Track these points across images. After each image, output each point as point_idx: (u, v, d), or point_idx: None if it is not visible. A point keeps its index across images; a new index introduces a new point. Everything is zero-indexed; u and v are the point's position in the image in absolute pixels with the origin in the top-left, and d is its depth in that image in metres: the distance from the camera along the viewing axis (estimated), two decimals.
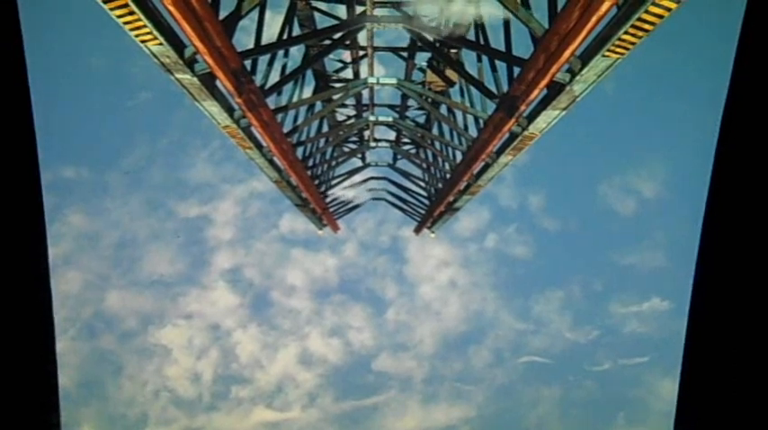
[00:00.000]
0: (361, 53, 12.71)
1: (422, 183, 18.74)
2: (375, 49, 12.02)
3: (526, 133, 9.39)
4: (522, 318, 41.01)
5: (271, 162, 12.05)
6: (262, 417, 38.03)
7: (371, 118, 15.70)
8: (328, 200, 19.34)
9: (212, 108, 8.62)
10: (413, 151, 17.81)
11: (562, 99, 7.95)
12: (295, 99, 12.62)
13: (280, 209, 39.51)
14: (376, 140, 16.25)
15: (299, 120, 13.42)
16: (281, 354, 39.48)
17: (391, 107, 18.14)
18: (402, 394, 39.24)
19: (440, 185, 16.66)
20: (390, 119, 15.02)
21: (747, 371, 1.45)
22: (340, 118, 18.42)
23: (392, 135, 19.52)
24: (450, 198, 15.90)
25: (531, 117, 9.05)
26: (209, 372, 38.36)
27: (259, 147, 11.03)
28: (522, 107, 8.11)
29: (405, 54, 13.38)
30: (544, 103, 8.43)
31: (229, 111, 9.05)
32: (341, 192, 19.36)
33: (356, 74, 13.05)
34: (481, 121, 10.65)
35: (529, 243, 41.29)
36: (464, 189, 14.42)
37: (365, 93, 14.72)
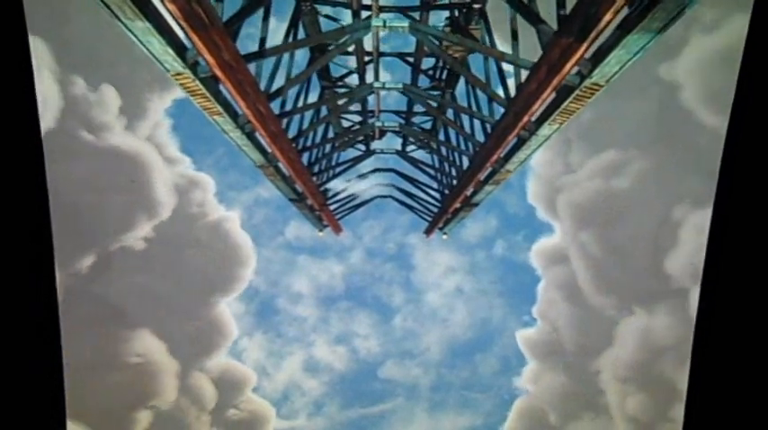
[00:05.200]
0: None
1: (434, 175, 15.74)
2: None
3: (588, 83, 6.42)
4: (530, 325, 38.83)
5: (251, 137, 9.13)
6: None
7: (377, 84, 12.63)
8: (328, 196, 16.41)
9: (149, 39, 5.71)
10: (425, 139, 14.77)
11: (657, 15, 4.98)
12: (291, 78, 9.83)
13: (286, 216, 37.70)
14: (383, 120, 13.24)
15: (295, 111, 10.61)
16: (287, 362, 37.57)
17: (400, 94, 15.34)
18: (409, 402, 37.25)
19: (456, 175, 13.68)
20: (401, 85, 11.92)
21: (755, 376, 1.56)
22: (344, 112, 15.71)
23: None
24: (469, 190, 12.93)
25: (598, 58, 6.10)
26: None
27: (232, 114, 8.13)
28: (602, 23, 5.11)
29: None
30: (622, 31, 5.47)
31: (178, 48, 6.16)
32: (342, 185, 16.42)
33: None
34: (521, 74, 7.68)
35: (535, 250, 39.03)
36: (487, 177, 11.45)
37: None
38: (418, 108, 15.12)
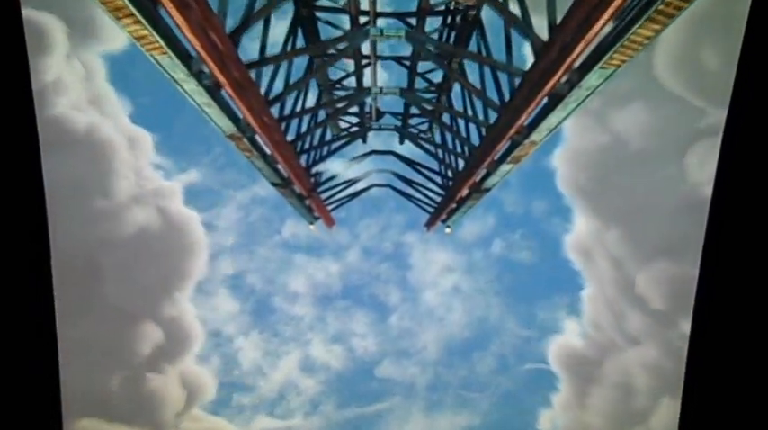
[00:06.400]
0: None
1: (438, 155, 13.57)
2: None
3: None
4: (527, 324, 37.61)
5: (213, 94, 7.00)
6: (264, 425, 35.37)
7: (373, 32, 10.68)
8: (319, 182, 14.27)
9: None
10: (430, 109, 12.61)
11: None
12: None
13: (282, 214, 37.08)
14: (382, 91, 11.05)
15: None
16: (284, 361, 36.78)
17: (398, 60, 13.20)
18: (406, 401, 36.36)
19: (466, 153, 11.57)
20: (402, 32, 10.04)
21: (751, 374, 1.46)
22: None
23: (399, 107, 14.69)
24: (480, 172, 10.82)
25: None
26: (211, 380, 35.05)
27: (182, 55, 6.01)
28: None
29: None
30: None
31: None
32: (335, 170, 14.29)
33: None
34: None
35: (534, 248, 37.87)
36: (505, 153, 9.36)
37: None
38: (421, 87, 13.10)
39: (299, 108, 11.40)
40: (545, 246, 37.83)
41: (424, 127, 15.44)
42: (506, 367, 35.93)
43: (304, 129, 12.25)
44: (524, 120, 7.50)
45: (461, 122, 12.12)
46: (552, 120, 7.45)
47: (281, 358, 36.47)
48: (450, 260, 38.01)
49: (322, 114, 13.40)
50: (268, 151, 10.14)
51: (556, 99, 6.89)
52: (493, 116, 9.25)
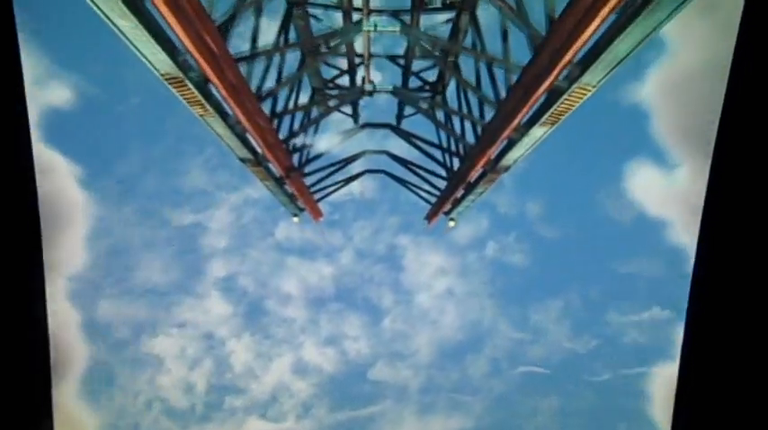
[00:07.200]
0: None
1: (444, 124, 11.12)
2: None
3: None
4: (520, 327, 37.16)
5: (133, 7, 4.62)
6: (256, 428, 34.86)
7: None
8: (303, 162, 11.85)
9: None
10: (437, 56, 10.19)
11: None
12: None
13: (275, 216, 36.37)
14: (377, 27, 8.61)
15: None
16: (276, 364, 36.16)
17: (396, 15, 10.84)
18: (398, 404, 35.83)
19: (480, 124, 9.17)
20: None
21: (744, 374, 1.41)
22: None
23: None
24: (501, 143, 8.46)
25: None
26: (203, 382, 34.80)
27: None
28: None
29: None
30: None
31: None
32: (320, 149, 11.87)
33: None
34: None
35: (527, 251, 37.10)
36: (538, 111, 7.01)
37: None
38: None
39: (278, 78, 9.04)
40: (537, 248, 36.41)
41: (425, 107, 13.08)
42: (499, 370, 35.38)
43: (275, 48, 9.86)
44: (583, 43, 5.12)
45: (473, 94, 9.76)
46: (622, 47, 5.08)
47: (273, 361, 36.18)
48: (443, 262, 37.44)
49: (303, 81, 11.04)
50: (228, 110, 7.75)
51: (636, 6, 4.53)
52: (524, 59, 6.87)
